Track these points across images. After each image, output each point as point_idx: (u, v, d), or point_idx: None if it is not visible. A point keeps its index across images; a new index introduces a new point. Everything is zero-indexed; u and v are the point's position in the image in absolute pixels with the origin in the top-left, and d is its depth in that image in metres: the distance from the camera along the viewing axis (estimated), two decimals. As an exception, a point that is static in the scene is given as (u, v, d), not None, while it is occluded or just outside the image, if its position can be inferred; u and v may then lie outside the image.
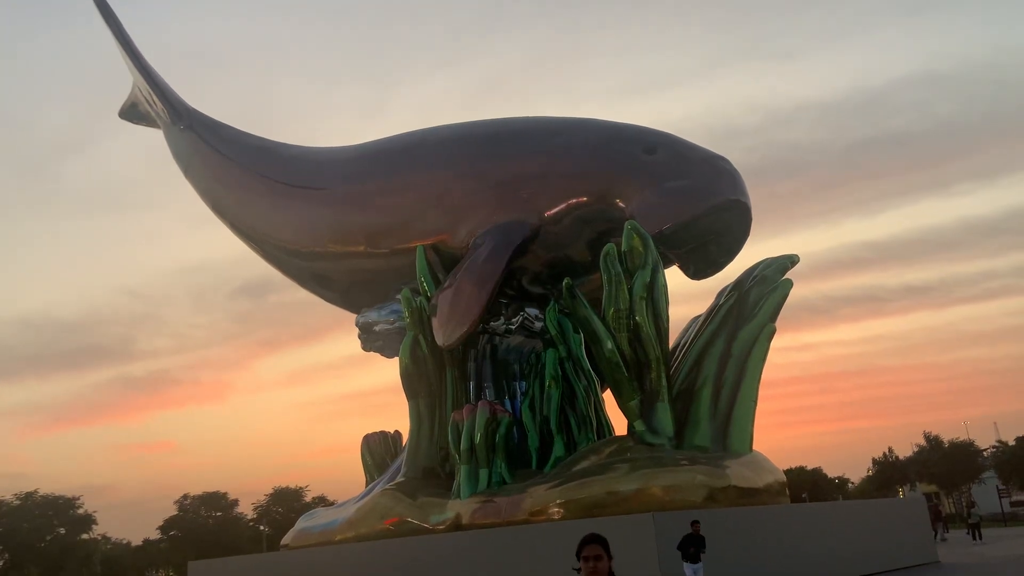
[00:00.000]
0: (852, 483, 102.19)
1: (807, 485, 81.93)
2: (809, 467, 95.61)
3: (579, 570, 4.84)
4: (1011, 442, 71.36)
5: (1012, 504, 63.38)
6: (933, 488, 77.89)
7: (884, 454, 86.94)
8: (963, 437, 77.98)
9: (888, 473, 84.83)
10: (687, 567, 17.11)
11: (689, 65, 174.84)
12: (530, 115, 27.38)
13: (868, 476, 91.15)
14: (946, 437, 76.52)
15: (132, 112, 35.51)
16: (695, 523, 17.41)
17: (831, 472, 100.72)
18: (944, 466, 71.66)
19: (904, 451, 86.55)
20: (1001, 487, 69.50)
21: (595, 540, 4.91)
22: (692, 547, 17.14)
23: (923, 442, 78.70)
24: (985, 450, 76.25)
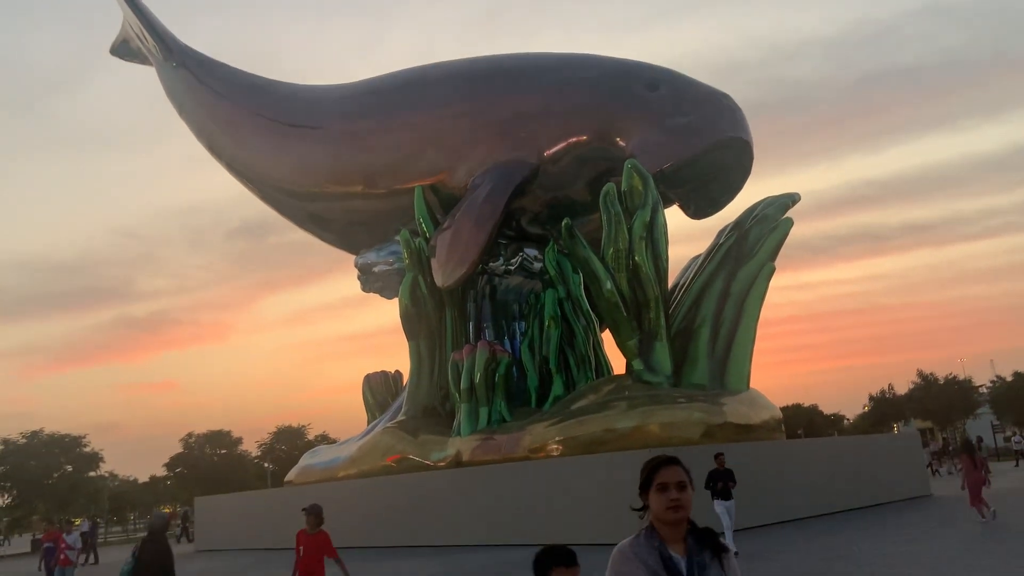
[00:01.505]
0: (848, 420, 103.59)
1: (803, 422, 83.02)
2: (806, 404, 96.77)
3: (644, 508, 3.15)
4: (1008, 378, 72.08)
5: (1005, 440, 64.29)
6: (928, 424, 78.97)
7: (882, 391, 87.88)
8: (960, 374, 78.82)
9: (883, 409, 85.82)
10: (718, 504, 15.98)
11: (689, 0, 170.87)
12: (529, 51, 26.88)
13: (864, 413, 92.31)
14: (943, 374, 77.33)
15: (123, 49, 34.81)
16: (719, 456, 16.33)
17: (827, 409, 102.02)
18: (939, 402, 72.51)
19: (902, 388, 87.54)
20: (995, 423, 70.43)
21: (675, 462, 3.12)
22: (720, 482, 16.01)
23: (917, 379, 79.67)
24: (981, 386, 77.11)
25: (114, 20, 34.52)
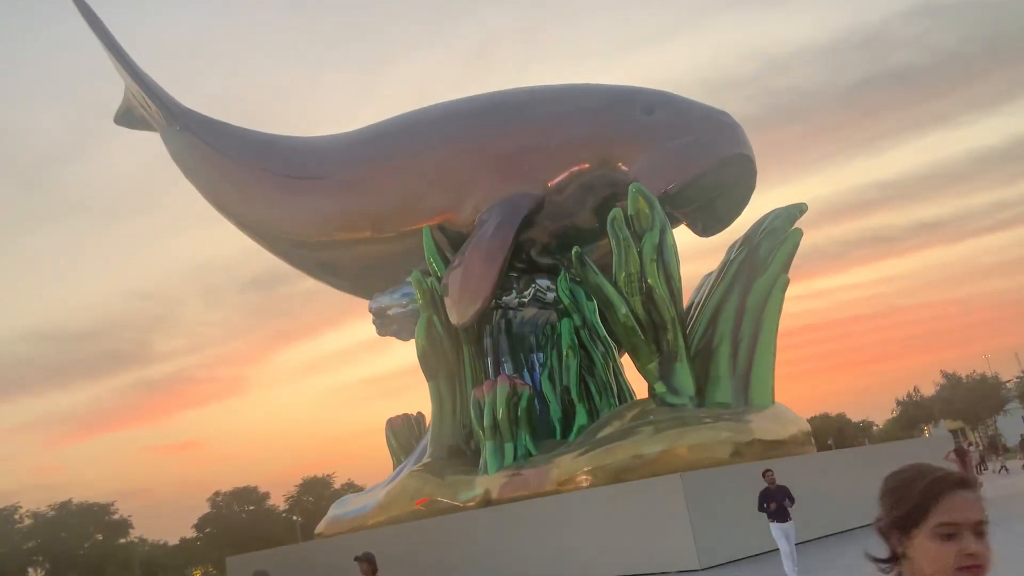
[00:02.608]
0: (877, 425, 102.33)
1: (832, 431, 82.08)
2: (833, 413, 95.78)
3: (893, 560, 2.04)
4: (1034, 371, 71.26)
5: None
6: (959, 424, 77.91)
7: (908, 394, 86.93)
8: (985, 371, 77.93)
9: (912, 412, 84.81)
10: (775, 528, 14.27)
11: (680, 18, 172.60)
12: (525, 85, 27.19)
13: (893, 417, 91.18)
14: (968, 371, 76.49)
15: (128, 117, 35.36)
16: (768, 472, 14.73)
17: (855, 416, 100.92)
18: (967, 401, 71.63)
19: (928, 389, 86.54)
20: (1026, 417, 69.40)
21: (969, 485, 2.02)
22: (773, 502, 14.36)
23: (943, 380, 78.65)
24: (1008, 381, 76.13)
25: (116, 89, 35.10)
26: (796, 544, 14.47)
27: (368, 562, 9.93)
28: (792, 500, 14.46)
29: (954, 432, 66.64)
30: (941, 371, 78.61)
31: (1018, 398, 73.26)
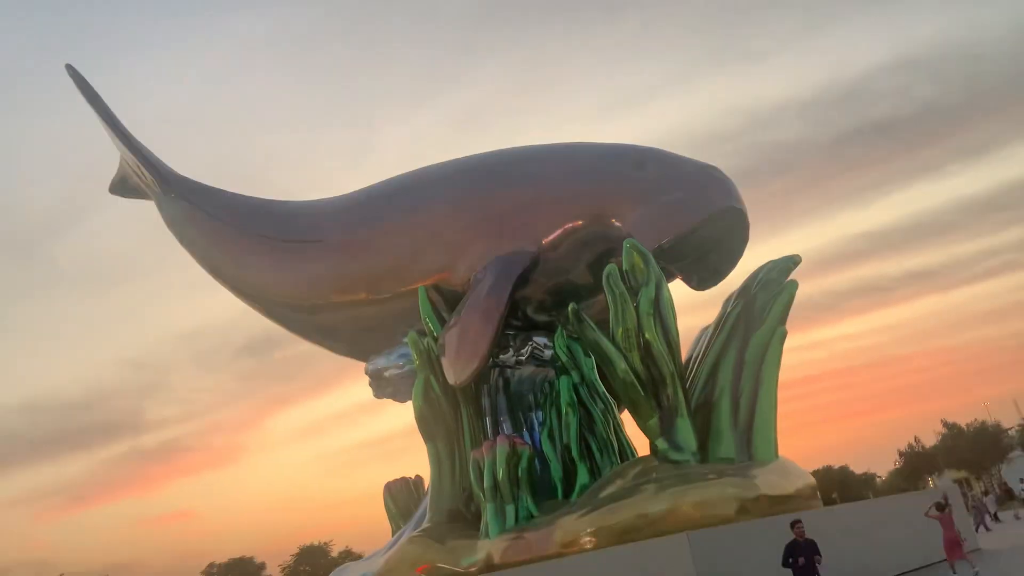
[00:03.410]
0: (880, 477, 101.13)
1: (835, 484, 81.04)
2: (835, 466, 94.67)
3: None
4: (1036, 419, 70.86)
5: (1043, 482, 62.52)
6: (963, 474, 77.04)
7: (910, 444, 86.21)
8: (985, 418, 77.40)
9: (915, 463, 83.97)
10: None
11: (664, 77, 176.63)
12: (515, 144, 27.56)
13: (896, 468, 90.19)
14: (968, 419, 76.04)
15: (122, 186, 35.55)
16: (797, 524, 14.08)
17: (857, 468, 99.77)
18: (971, 450, 70.98)
19: (928, 439, 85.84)
20: (1031, 465, 68.71)
21: None
22: (801, 556, 13.56)
23: (942, 429, 78.10)
24: (1010, 428, 75.59)
25: (110, 158, 35.38)
26: None
27: None
28: (820, 555, 13.73)
29: (958, 482, 65.81)
30: (942, 420, 78.32)
31: (1020, 446, 72.66)
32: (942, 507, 20.64)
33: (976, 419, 75.97)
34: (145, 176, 33.16)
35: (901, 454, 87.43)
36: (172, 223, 33.22)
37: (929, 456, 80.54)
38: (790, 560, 13.80)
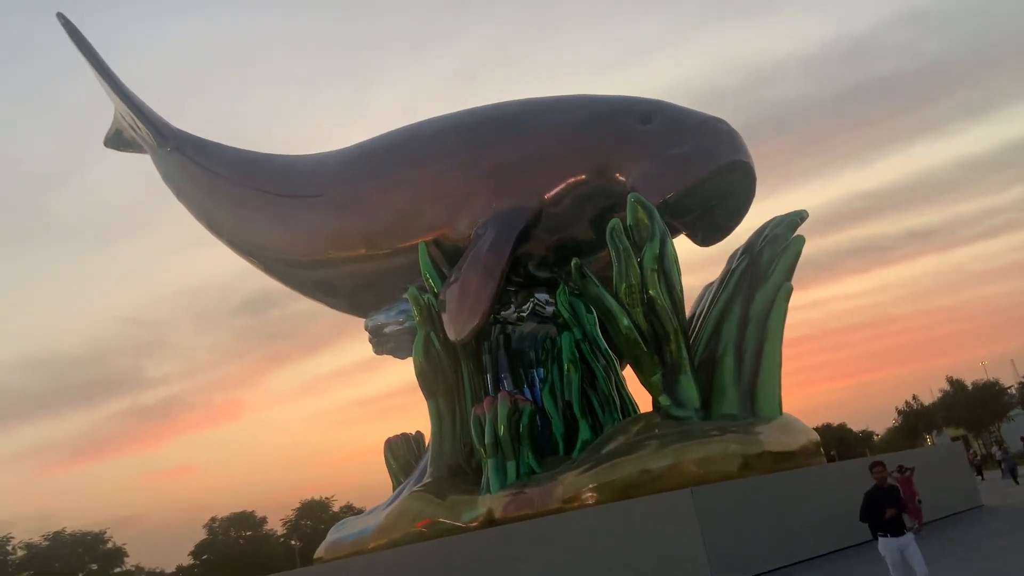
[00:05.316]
0: (877, 435, 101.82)
1: (834, 442, 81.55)
2: (833, 424, 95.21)
3: None
4: (1035, 377, 70.99)
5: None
6: (961, 431, 77.43)
7: (907, 403, 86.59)
8: (983, 378, 77.56)
9: (913, 421, 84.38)
10: (885, 544, 11.10)
11: (664, 32, 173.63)
12: (515, 98, 26.86)
13: (894, 426, 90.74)
14: (966, 379, 76.16)
15: (117, 139, 35.02)
16: (876, 467, 11.73)
17: (855, 426, 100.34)
18: (970, 408, 71.21)
19: (926, 397, 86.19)
20: (1030, 423, 68.99)
21: None
22: (886, 507, 10.98)
23: (945, 386, 78.38)
24: (1010, 387, 75.74)
25: (104, 112, 34.75)
26: (811, 559, 13.16)
27: None
28: (901, 506, 11.34)
29: (956, 439, 66.17)
30: (947, 376, 78.27)
31: (1020, 404, 72.88)
32: (903, 470, 21.12)
33: (976, 378, 76.14)
34: (140, 128, 32.58)
35: (899, 412, 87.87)
36: (168, 177, 32.74)
37: (928, 414, 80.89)
38: (867, 514, 11.40)
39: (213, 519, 77.32)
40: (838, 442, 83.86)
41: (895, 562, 11.11)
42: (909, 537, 11.11)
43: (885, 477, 11.68)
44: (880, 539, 11.25)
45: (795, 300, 22.23)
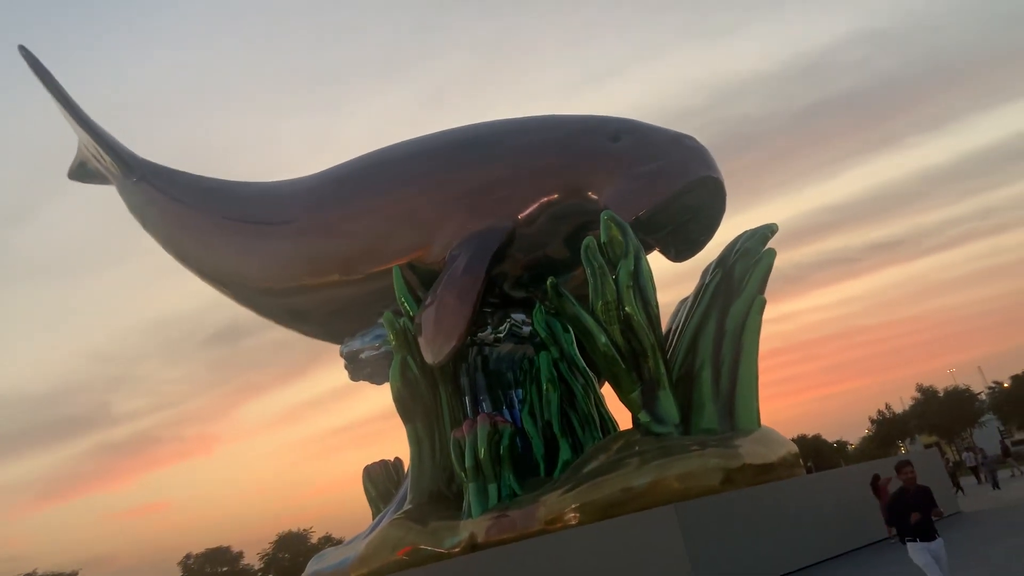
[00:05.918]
0: (851, 444, 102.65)
1: (810, 453, 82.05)
2: (808, 435, 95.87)
3: None
4: (1006, 383, 72.06)
5: (1013, 444, 63.60)
6: (934, 439, 78.29)
7: (880, 412, 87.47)
8: (952, 384, 78.64)
9: (887, 430, 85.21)
10: (915, 550, 10.56)
11: (629, 53, 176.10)
12: (486, 120, 26.96)
13: (868, 435, 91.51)
14: (936, 387, 77.20)
15: (81, 171, 34.52)
16: (905, 467, 11.24)
17: (829, 437, 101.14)
18: (943, 415, 72.09)
19: (897, 406, 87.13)
20: (1001, 428, 69.91)
21: None
22: (914, 511, 10.43)
23: (916, 395, 79.29)
24: (980, 393, 76.88)
25: (68, 145, 34.28)
26: (797, 571, 13.13)
27: None
28: (938, 508, 10.72)
29: (929, 447, 66.83)
30: (917, 384, 79.42)
31: (991, 409, 73.95)
32: (876, 479, 21.72)
33: (946, 385, 77.20)
34: (105, 159, 32.17)
35: (873, 421, 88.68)
36: (134, 208, 32.30)
37: (900, 422, 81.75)
38: (894, 517, 10.95)
39: (188, 556, 75.82)
40: (814, 453, 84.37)
41: (927, 564, 10.51)
42: (940, 543, 10.59)
43: (914, 478, 11.26)
44: (908, 544, 10.79)
45: (766, 313, 22.44)
